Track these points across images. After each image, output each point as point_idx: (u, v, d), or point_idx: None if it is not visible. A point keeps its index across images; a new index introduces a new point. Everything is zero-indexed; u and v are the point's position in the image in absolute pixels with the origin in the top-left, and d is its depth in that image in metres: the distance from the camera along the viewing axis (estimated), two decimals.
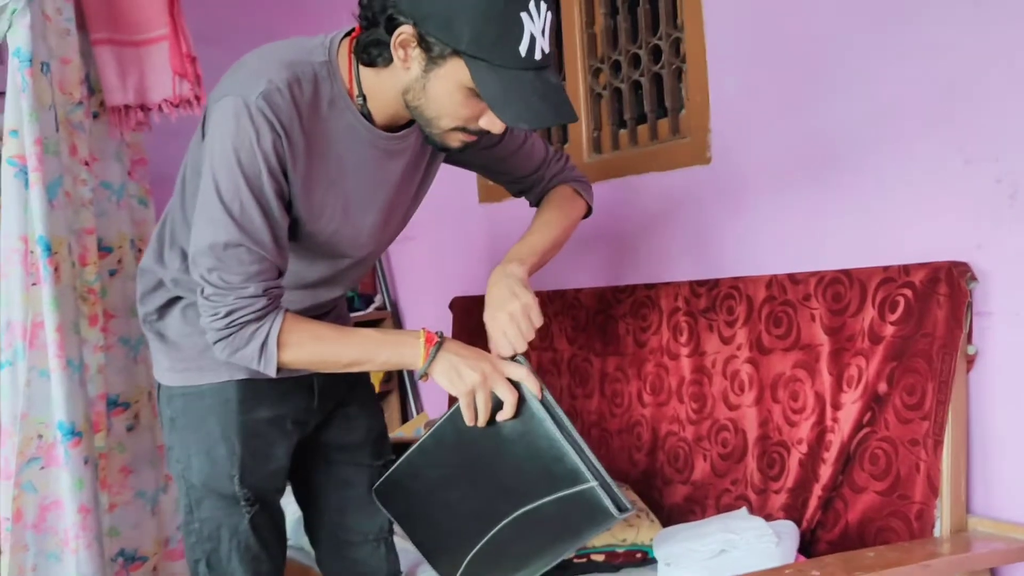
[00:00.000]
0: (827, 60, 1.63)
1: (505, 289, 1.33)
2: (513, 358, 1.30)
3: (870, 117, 1.56)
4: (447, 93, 1.18)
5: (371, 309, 3.01)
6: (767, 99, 1.75)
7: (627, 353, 1.98)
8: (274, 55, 1.24)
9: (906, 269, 1.45)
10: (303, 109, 1.21)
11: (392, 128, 1.30)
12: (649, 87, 2.05)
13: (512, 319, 1.30)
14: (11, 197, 1.44)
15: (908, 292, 1.43)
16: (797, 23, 1.68)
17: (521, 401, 1.26)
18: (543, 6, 1.14)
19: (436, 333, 1.28)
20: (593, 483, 1.23)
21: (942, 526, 1.38)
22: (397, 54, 1.18)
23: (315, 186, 1.27)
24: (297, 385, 1.45)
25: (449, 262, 2.69)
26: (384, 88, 1.24)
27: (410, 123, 1.31)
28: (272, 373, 1.27)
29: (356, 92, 1.25)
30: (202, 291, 1.24)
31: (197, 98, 1.77)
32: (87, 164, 1.60)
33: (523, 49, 1.13)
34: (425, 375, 1.27)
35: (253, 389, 1.41)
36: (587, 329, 2.10)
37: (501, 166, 1.50)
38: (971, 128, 1.41)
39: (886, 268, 1.48)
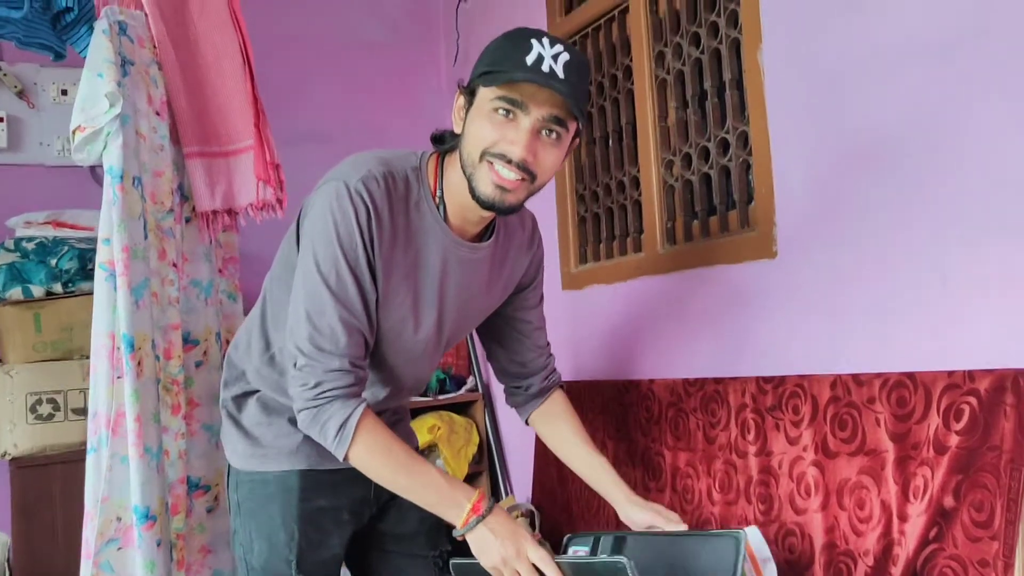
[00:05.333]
0: (889, 155, 1.59)
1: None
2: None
3: (934, 213, 1.50)
4: (477, 121, 1.30)
5: (463, 391, 3.06)
6: (831, 192, 1.71)
7: (697, 449, 1.94)
8: (373, 154, 1.38)
9: (971, 375, 1.37)
10: (394, 201, 1.35)
11: (464, 237, 1.41)
12: (718, 179, 2.04)
13: None
14: (101, 298, 1.59)
15: (973, 400, 1.35)
16: (858, 117, 1.65)
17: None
18: (558, 45, 1.26)
19: (486, 505, 1.31)
20: None
21: None
22: (455, 121, 1.34)
23: (392, 272, 1.37)
24: (355, 476, 1.50)
25: None
26: (456, 180, 1.36)
27: (481, 237, 1.43)
28: (340, 457, 1.33)
29: (438, 193, 1.37)
30: (295, 363, 1.33)
31: (280, 201, 1.89)
32: (175, 266, 1.73)
33: (529, 60, 1.24)
34: (462, 536, 1.32)
35: (314, 479, 1.48)
36: (659, 422, 2.07)
37: (526, 323, 1.63)
38: None
39: (950, 373, 1.41)
